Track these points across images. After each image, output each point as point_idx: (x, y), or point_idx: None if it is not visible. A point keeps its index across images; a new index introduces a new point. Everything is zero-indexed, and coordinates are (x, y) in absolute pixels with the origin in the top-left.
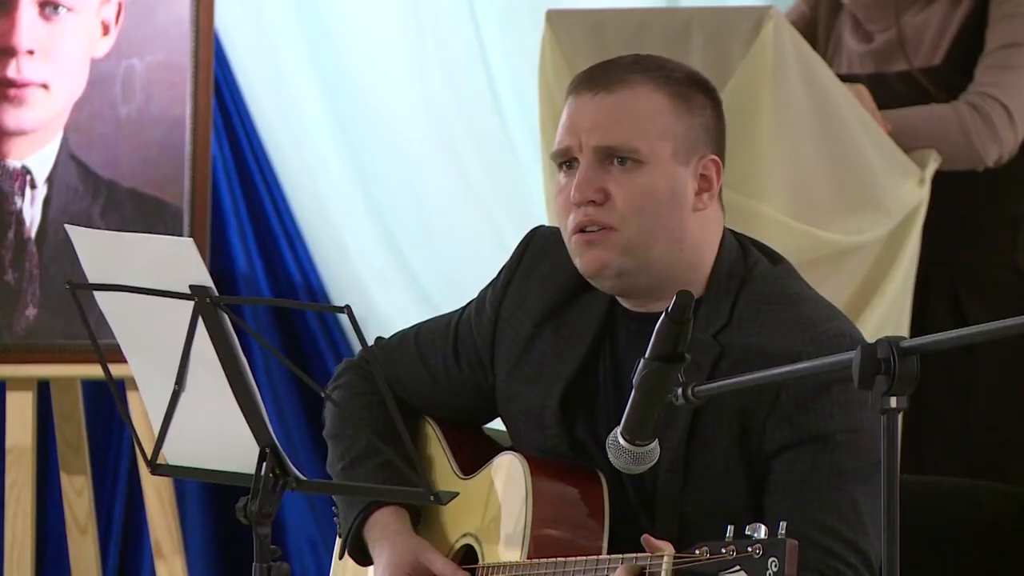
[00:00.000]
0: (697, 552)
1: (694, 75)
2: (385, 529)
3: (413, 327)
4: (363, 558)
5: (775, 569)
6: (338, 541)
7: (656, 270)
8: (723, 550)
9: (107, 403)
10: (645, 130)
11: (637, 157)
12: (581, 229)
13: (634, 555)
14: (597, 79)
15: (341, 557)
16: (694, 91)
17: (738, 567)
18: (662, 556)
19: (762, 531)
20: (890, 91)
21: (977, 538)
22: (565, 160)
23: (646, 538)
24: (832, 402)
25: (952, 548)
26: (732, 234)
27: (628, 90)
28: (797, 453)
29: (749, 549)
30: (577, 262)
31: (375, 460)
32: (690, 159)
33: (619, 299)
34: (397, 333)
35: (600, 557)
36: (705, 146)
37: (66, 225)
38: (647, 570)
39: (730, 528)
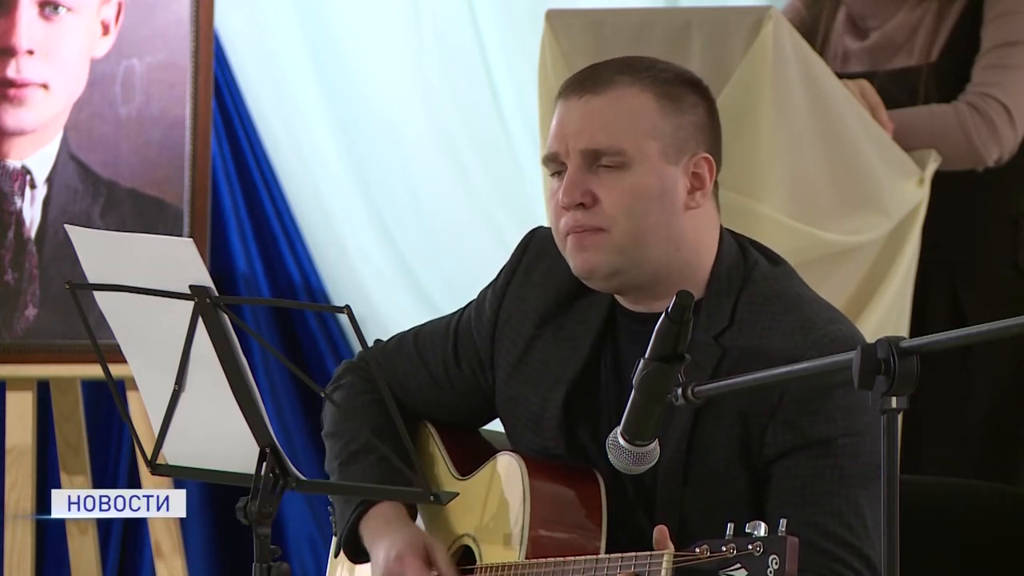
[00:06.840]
0: (697, 550)
1: (685, 74)
2: (388, 519)
3: (411, 329)
4: (357, 555)
5: (776, 566)
6: (334, 540)
7: (652, 269)
8: (723, 548)
9: (107, 403)
10: (631, 131)
11: (623, 159)
12: (571, 231)
13: (633, 554)
14: (584, 82)
15: (336, 555)
16: (684, 90)
17: (739, 565)
18: (662, 555)
19: (762, 528)
20: (883, 88)
21: (977, 538)
22: (555, 165)
23: (660, 529)
24: (834, 406)
25: (952, 548)
26: (730, 234)
27: (613, 91)
28: (799, 458)
29: (749, 547)
30: (571, 264)
31: (374, 455)
32: (680, 158)
33: (619, 299)
34: (395, 336)
35: (599, 556)
36: (696, 144)
37: (66, 225)
38: (647, 569)
39: (730, 526)
